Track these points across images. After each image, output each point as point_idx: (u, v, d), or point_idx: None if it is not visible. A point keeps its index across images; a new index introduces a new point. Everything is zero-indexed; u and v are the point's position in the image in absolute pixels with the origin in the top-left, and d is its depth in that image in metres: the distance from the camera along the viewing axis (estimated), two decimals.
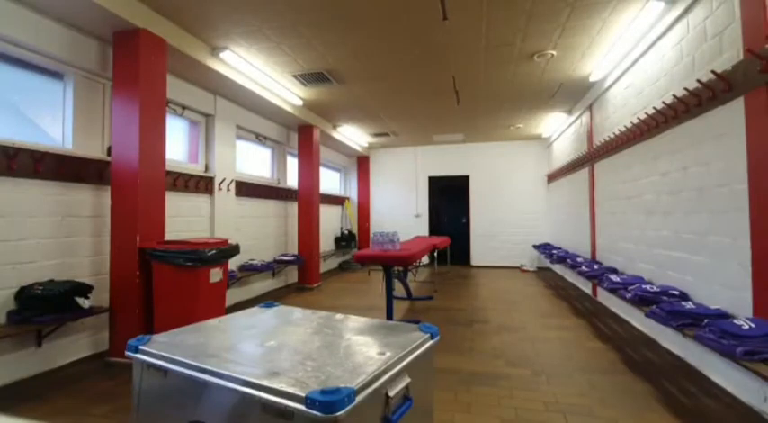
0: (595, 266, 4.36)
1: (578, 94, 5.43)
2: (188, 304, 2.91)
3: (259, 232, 5.68)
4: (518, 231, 8.52)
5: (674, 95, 2.87)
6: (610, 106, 4.56)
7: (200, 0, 3.05)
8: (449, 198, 9.59)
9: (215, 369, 1.05)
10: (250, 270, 5.04)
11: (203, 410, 1.06)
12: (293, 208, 6.55)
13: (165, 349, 1.20)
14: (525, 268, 8.18)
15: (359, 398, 0.92)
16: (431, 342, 1.31)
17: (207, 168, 4.73)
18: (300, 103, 5.57)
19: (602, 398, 2.43)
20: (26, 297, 2.60)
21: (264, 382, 0.96)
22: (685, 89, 2.69)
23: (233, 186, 5.02)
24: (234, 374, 1.01)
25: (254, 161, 5.96)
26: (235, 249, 3.25)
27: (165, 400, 1.17)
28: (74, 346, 3.02)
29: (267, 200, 5.88)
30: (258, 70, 4.37)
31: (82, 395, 2.53)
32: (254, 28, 3.49)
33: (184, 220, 4.26)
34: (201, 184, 4.47)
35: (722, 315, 2.30)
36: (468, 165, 8.90)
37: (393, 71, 4.56)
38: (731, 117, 2.35)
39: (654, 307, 2.61)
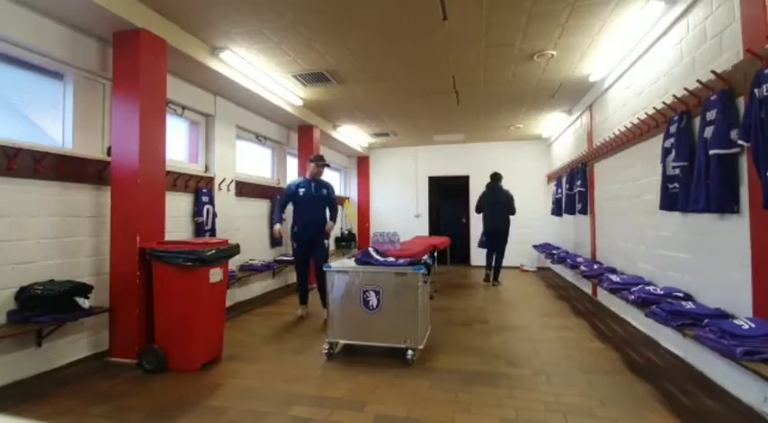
0: (595, 266, 4.35)
1: (578, 94, 5.43)
2: (188, 304, 2.91)
3: (259, 232, 5.68)
4: (518, 231, 8.47)
5: (675, 95, 2.87)
6: (610, 106, 4.56)
7: (200, 0, 3.05)
8: (449, 198, 9.59)
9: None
10: (250, 270, 5.04)
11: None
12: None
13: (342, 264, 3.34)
14: (525, 268, 8.18)
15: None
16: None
17: (207, 168, 4.73)
18: (300, 103, 5.57)
19: (602, 398, 2.42)
20: (26, 297, 2.59)
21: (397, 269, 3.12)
22: (685, 89, 2.68)
23: (233, 186, 5.03)
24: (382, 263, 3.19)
25: (254, 161, 5.96)
26: (235, 249, 3.25)
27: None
28: (74, 346, 3.02)
29: (267, 200, 5.87)
30: (258, 70, 4.37)
31: (82, 395, 2.53)
32: (254, 28, 3.49)
33: (185, 220, 4.26)
34: (202, 185, 4.47)
35: (722, 315, 2.29)
36: (469, 165, 8.89)
37: (393, 71, 4.56)
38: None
39: (653, 307, 2.60)
